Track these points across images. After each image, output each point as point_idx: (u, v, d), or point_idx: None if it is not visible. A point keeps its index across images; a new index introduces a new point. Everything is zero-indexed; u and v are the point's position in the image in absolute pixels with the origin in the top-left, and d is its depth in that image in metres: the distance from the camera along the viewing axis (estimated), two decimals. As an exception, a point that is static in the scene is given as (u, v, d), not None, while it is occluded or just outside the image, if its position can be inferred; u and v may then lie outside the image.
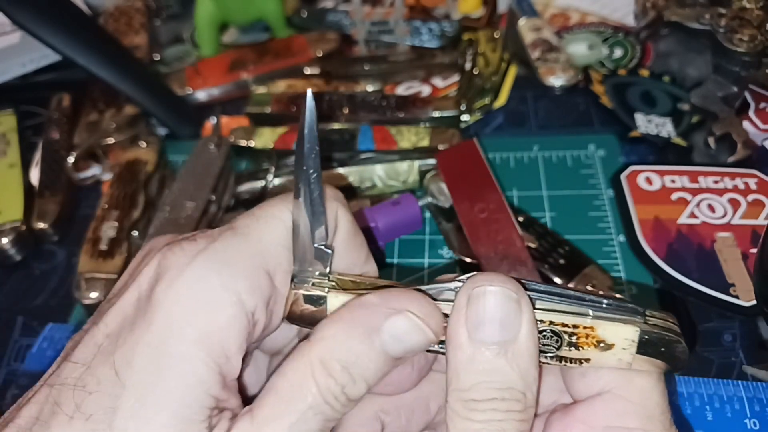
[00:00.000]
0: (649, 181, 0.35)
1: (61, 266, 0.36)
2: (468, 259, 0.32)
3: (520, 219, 0.33)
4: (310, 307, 0.18)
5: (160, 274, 0.16)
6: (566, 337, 0.17)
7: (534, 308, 0.17)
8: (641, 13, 0.43)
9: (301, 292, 0.18)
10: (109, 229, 0.34)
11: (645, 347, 0.17)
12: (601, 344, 0.17)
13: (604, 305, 0.17)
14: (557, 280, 0.30)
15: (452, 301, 0.17)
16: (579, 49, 0.46)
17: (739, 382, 0.27)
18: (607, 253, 0.32)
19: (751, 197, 0.34)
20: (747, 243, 0.32)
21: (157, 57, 0.49)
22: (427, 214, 0.35)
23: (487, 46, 0.46)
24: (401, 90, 0.45)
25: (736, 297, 0.30)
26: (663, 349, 0.17)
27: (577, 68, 0.43)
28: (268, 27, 0.50)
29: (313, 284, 0.18)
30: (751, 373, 0.28)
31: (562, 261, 0.31)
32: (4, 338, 0.33)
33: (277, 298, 0.18)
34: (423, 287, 0.18)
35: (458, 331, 0.16)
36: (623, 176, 0.36)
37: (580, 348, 0.17)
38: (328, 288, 0.18)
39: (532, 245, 0.31)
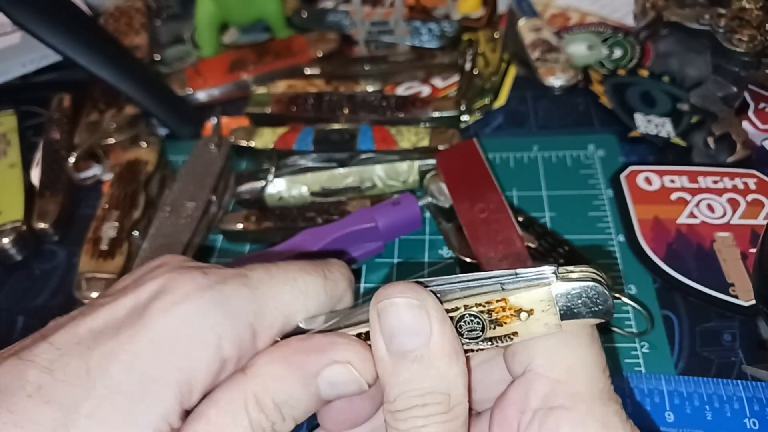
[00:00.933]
0: (648, 181, 0.35)
1: (61, 266, 0.36)
2: (468, 259, 0.32)
3: (520, 219, 0.33)
4: None
5: (163, 293, 0.17)
6: (485, 316, 0.17)
7: (444, 301, 0.17)
8: (641, 13, 0.43)
9: None
10: (109, 229, 0.34)
11: (567, 305, 0.16)
12: (521, 313, 0.17)
13: (516, 275, 0.17)
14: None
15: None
16: (579, 49, 0.47)
17: (739, 381, 0.27)
18: (607, 253, 0.32)
19: (750, 197, 0.34)
20: (746, 243, 0.32)
21: (157, 57, 0.49)
22: (427, 214, 0.35)
23: (487, 47, 0.47)
24: (401, 90, 0.45)
25: (736, 297, 0.30)
26: (585, 301, 0.16)
27: (577, 68, 0.43)
28: (268, 27, 0.50)
29: None
30: (750, 372, 0.28)
31: (561, 261, 0.31)
32: (4, 338, 0.33)
33: (251, 353, 0.18)
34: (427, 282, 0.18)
35: (377, 346, 0.17)
36: (623, 176, 0.36)
37: (503, 323, 0.17)
38: None
39: (532, 245, 0.31)
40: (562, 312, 0.16)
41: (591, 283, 0.16)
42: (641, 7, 0.42)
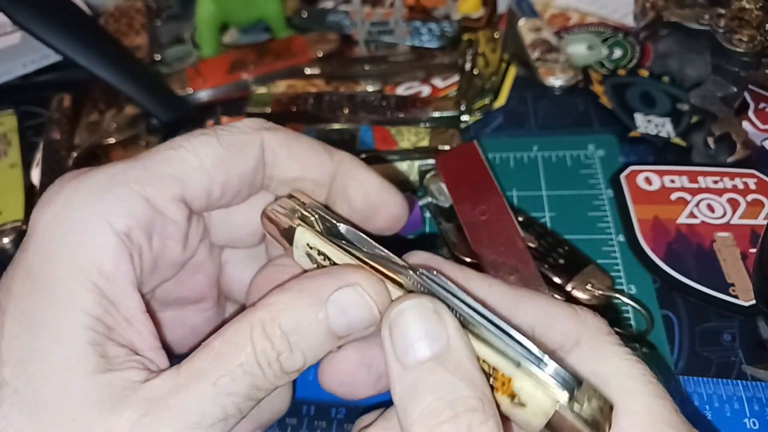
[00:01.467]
0: (648, 181, 0.36)
1: (61, 266, 0.36)
2: (467, 259, 0.32)
3: (520, 219, 0.33)
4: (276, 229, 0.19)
5: (39, 202, 0.17)
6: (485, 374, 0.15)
7: (468, 329, 0.16)
8: (641, 13, 0.43)
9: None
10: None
11: (556, 427, 0.15)
12: (514, 398, 0.15)
13: (540, 363, 0.15)
14: (557, 279, 0.30)
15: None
16: (578, 49, 0.47)
17: (739, 381, 0.27)
18: (607, 252, 0.33)
19: (750, 197, 0.34)
20: (746, 243, 0.32)
21: (157, 57, 0.49)
22: (427, 214, 0.35)
23: (487, 47, 0.47)
24: (401, 90, 0.45)
25: (736, 297, 0.30)
26: None
27: (577, 68, 0.43)
28: (268, 27, 0.50)
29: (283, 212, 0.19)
30: (750, 372, 0.28)
31: (561, 261, 0.31)
32: (4, 338, 0.33)
33: (166, 225, 0.18)
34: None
35: (392, 364, 0.15)
36: (623, 176, 0.36)
37: (494, 392, 0.15)
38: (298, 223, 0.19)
39: (532, 245, 0.31)
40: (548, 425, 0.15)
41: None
42: (641, 7, 0.43)
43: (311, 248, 0.19)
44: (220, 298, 0.23)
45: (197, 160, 0.18)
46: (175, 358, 0.20)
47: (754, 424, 0.25)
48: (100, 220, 0.16)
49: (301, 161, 0.21)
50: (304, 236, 0.19)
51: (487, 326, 0.16)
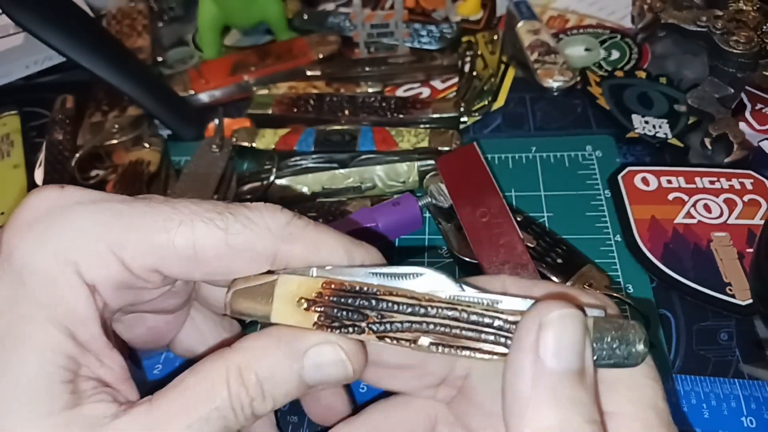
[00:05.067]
0: (645, 181, 0.36)
1: (64, 266, 0.36)
2: (467, 259, 0.32)
3: (518, 219, 0.33)
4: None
5: (19, 218, 0.17)
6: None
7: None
8: (638, 15, 0.43)
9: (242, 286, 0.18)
10: (112, 229, 0.34)
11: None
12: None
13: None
14: (555, 279, 0.30)
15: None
16: (576, 51, 0.47)
17: (736, 380, 0.27)
18: (605, 252, 0.33)
19: (747, 197, 0.34)
20: (743, 243, 0.32)
21: (159, 59, 0.50)
22: (427, 214, 0.36)
23: (486, 49, 0.47)
24: (401, 92, 0.45)
25: (733, 296, 0.30)
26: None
27: (575, 70, 0.43)
28: (269, 30, 0.50)
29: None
30: (747, 371, 0.28)
31: (559, 260, 0.31)
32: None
33: (138, 282, 0.17)
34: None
35: (528, 364, 0.15)
36: (620, 177, 0.36)
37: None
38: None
39: (530, 245, 0.31)
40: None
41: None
42: (639, 9, 0.43)
43: (300, 288, 0.18)
44: (187, 303, 0.22)
45: (191, 249, 0.17)
46: (130, 351, 0.20)
47: (752, 423, 0.26)
48: (74, 270, 0.16)
49: (313, 263, 0.19)
50: (288, 282, 0.18)
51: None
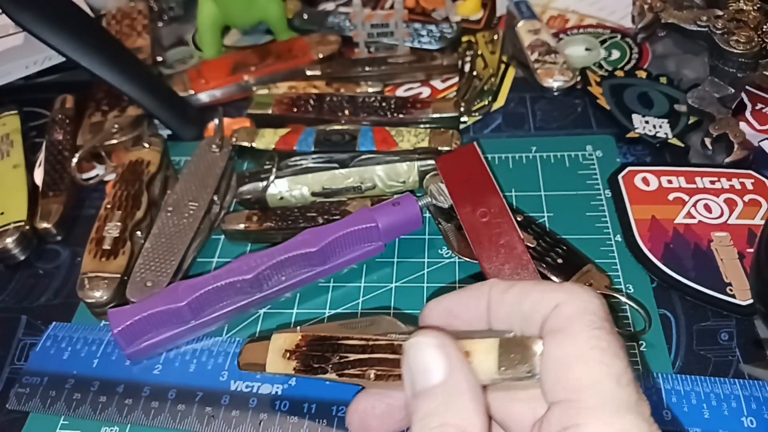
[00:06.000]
0: (646, 181, 0.36)
1: (64, 266, 0.36)
2: (467, 259, 0.32)
3: (519, 219, 0.33)
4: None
5: None
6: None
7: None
8: (638, 15, 0.43)
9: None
10: (112, 229, 0.34)
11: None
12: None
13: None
14: (555, 279, 0.30)
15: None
16: (577, 51, 0.47)
17: (736, 380, 0.27)
18: (605, 252, 0.33)
19: (747, 197, 0.34)
20: (743, 243, 0.32)
21: (159, 59, 0.50)
22: (427, 214, 0.36)
23: (486, 49, 0.47)
24: (401, 92, 0.45)
25: (733, 296, 0.30)
26: None
27: (575, 70, 0.43)
28: (269, 29, 0.50)
29: None
30: (747, 371, 0.28)
31: (560, 260, 0.31)
32: (7, 337, 0.33)
33: None
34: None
35: (405, 386, 0.18)
36: (620, 177, 0.36)
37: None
38: None
39: (531, 245, 0.31)
40: None
41: None
42: (639, 8, 0.43)
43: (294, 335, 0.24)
44: None
45: None
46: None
47: (752, 423, 0.26)
48: None
49: None
50: (278, 339, 0.24)
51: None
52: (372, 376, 0.22)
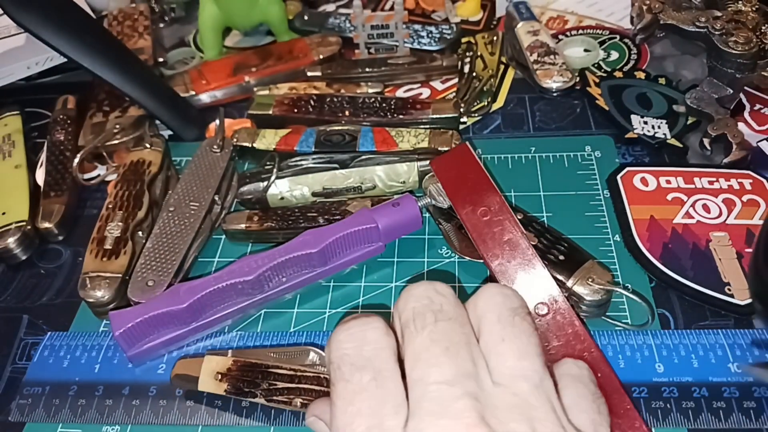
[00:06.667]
0: (644, 181, 0.36)
1: (65, 266, 0.37)
2: (468, 258, 0.32)
3: (519, 217, 0.33)
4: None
5: None
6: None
7: None
8: (637, 16, 0.43)
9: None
10: (113, 229, 0.34)
11: None
12: None
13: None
14: (558, 276, 0.30)
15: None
16: (576, 51, 0.47)
17: (719, 330, 0.29)
18: (604, 252, 0.33)
19: (745, 197, 0.35)
20: (742, 242, 0.32)
21: (160, 60, 0.50)
22: (427, 214, 0.36)
23: (485, 50, 0.47)
24: (401, 92, 0.45)
25: (731, 296, 0.30)
26: None
27: (574, 71, 0.44)
28: (270, 31, 0.51)
29: None
30: (745, 371, 0.28)
31: (561, 257, 0.31)
32: (9, 336, 0.33)
33: None
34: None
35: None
36: (619, 177, 0.36)
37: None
38: None
39: (532, 242, 0.31)
40: None
41: None
42: (638, 9, 0.43)
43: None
44: None
45: None
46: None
47: (738, 368, 0.27)
48: None
49: None
50: (210, 360, 0.27)
51: None
52: (298, 404, 0.25)
